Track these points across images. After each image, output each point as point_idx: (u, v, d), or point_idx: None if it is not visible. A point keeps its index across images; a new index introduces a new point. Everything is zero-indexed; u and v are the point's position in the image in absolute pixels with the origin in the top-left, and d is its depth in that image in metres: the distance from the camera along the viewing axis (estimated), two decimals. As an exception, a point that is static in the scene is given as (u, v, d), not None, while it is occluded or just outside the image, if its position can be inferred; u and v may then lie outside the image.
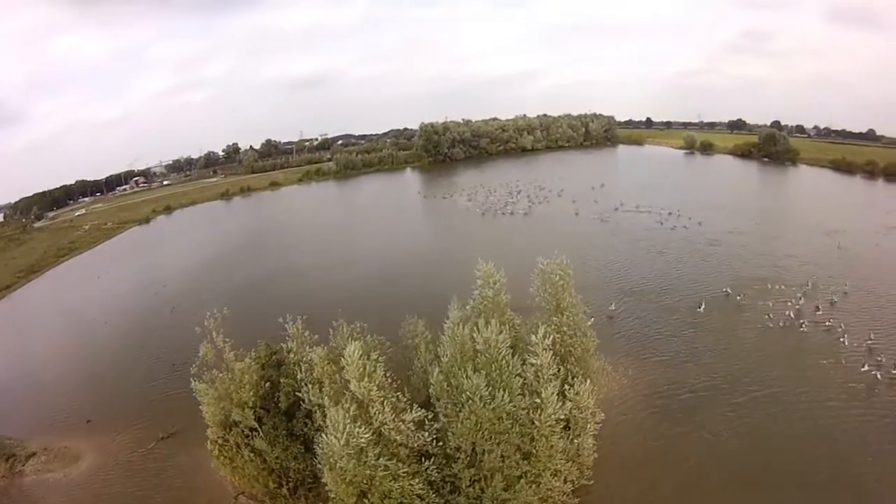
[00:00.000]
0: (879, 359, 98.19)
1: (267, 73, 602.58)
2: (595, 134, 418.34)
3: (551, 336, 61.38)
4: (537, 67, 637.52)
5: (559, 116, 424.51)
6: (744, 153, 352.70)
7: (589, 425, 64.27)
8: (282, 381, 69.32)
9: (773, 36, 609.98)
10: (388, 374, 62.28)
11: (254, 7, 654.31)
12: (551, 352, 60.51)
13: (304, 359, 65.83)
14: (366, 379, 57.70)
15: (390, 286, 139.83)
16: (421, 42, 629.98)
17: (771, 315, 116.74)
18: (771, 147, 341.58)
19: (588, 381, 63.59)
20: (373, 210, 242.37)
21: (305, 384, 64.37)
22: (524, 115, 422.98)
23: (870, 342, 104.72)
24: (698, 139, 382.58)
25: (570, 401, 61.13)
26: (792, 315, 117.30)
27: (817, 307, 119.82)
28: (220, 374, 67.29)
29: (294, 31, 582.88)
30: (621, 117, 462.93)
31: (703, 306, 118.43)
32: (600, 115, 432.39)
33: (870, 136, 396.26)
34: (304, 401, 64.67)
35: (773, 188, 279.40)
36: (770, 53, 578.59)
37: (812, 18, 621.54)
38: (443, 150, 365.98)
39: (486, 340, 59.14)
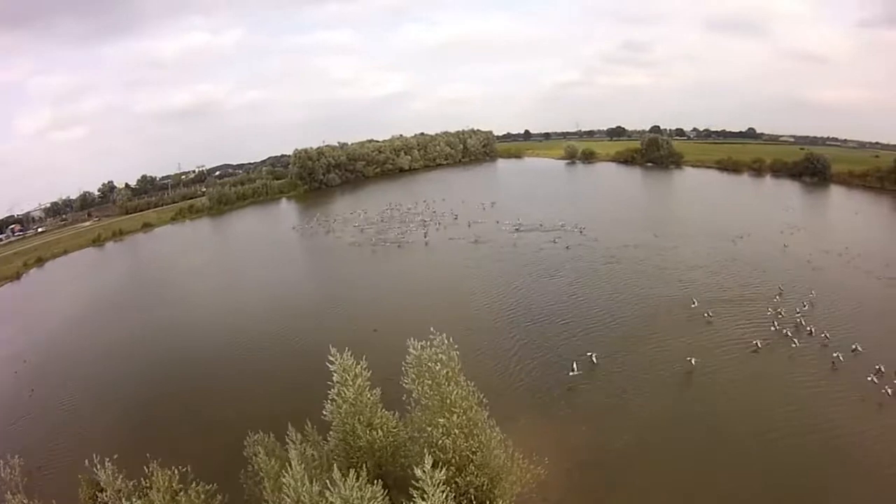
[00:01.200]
0: (878, 367, 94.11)
1: (145, 104, 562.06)
2: (474, 150, 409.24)
3: (443, 469, 44.16)
4: (413, 87, 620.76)
5: (437, 134, 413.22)
6: (627, 159, 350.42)
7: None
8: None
9: (650, 46, 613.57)
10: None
11: (132, 36, 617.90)
12: (445, 487, 43.32)
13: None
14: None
15: (246, 370, 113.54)
16: (297, 68, 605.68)
17: (757, 338, 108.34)
18: (654, 152, 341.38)
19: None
20: (243, 254, 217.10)
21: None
22: (401, 136, 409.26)
23: (854, 347, 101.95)
24: (579, 148, 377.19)
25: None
26: (776, 328, 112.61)
27: (798, 321, 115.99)
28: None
29: (171, 60, 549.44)
30: (499, 131, 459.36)
31: (693, 360, 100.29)
32: (478, 130, 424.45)
33: (750, 135, 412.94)
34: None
35: (663, 194, 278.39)
36: (648, 63, 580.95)
37: (689, 28, 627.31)
38: (318, 177, 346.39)
39: (345, 501, 41.56)
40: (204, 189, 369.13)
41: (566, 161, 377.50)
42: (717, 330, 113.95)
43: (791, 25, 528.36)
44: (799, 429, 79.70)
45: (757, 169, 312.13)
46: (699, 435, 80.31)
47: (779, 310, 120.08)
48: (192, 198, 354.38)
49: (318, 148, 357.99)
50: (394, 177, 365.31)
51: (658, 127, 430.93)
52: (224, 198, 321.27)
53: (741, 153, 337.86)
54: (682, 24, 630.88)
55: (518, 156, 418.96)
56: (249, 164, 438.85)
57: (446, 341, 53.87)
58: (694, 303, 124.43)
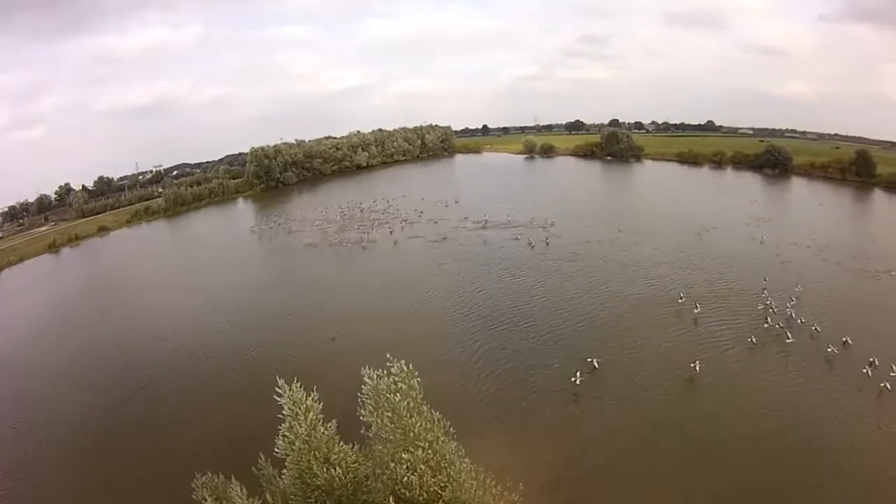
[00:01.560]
0: (871, 359, 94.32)
1: (104, 102, 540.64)
2: (432, 145, 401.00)
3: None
4: (372, 82, 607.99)
5: (394, 130, 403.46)
6: (586, 153, 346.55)
7: None
8: None
9: (609, 40, 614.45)
10: None
11: (92, 32, 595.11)
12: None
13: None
14: None
15: (199, 388, 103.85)
16: (257, 63, 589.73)
17: (749, 335, 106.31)
18: (614, 145, 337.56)
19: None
20: (198, 259, 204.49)
21: None
22: (358, 132, 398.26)
23: (845, 340, 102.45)
24: (538, 142, 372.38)
25: None
26: (769, 323, 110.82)
27: (790, 315, 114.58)
28: None
29: (131, 57, 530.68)
30: (457, 126, 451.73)
31: (698, 365, 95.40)
32: (436, 125, 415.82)
33: (709, 127, 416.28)
34: None
35: (624, 188, 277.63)
36: (607, 56, 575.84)
37: (648, 22, 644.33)
38: (275, 176, 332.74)
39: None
40: (161, 190, 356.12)
41: (525, 156, 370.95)
42: (700, 328, 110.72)
43: (751, 20, 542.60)
44: (801, 427, 77.60)
45: (718, 161, 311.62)
46: (692, 439, 76.91)
47: (768, 304, 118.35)
48: (148, 199, 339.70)
49: (275, 146, 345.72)
50: (351, 174, 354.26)
51: (617, 120, 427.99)
52: (180, 199, 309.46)
53: (701, 146, 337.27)
54: (641, 18, 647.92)
55: (476, 151, 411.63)
56: (207, 162, 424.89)
57: (405, 368, 47.95)
58: (682, 297, 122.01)
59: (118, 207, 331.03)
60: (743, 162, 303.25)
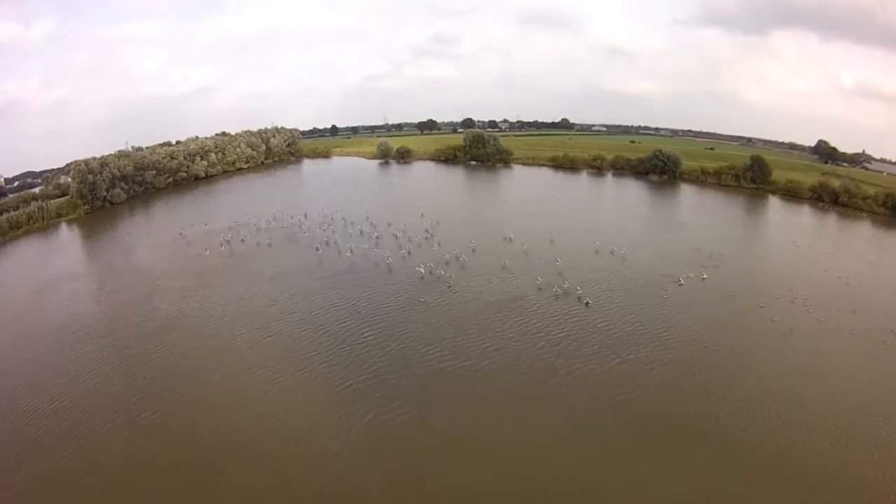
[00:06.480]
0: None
1: None
2: (277, 150, 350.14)
3: None
4: (218, 82, 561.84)
5: (237, 134, 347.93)
6: (447, 158, 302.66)
7: None
8: None
9: (460, 39, 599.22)
10: None
11: None
12: None
13: None
14: None
15: None
16: (106, 62, 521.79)
17: None
18: (480, 149, 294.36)
19: None
20: None
21: None
22: (197, 137, 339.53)
23: None
24: (393, 146, 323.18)
25: None
26: None
27: None
28: None
29: None
30: (305, 126, 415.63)
31: None
32: (283, 128, 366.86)
33: (563, 125, 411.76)
34: None
35: (521, 207, 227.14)
36: (457, 55, 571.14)
37: (500, 21, 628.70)
38: (101, 194, 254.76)
39: None
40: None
41: (379, 161, 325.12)
42: None
43: (605, 21, 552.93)
44: None
45: (597, 167, 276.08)
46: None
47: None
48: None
49: (101, 158, 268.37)
50: (188, 187, 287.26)
51: (471, 119, 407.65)
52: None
53: (569, 147, 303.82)
54: (494, 16, 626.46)
55: (326, 155, 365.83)
56: (50, 171, 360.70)
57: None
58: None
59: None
60: (625, 167, 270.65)
